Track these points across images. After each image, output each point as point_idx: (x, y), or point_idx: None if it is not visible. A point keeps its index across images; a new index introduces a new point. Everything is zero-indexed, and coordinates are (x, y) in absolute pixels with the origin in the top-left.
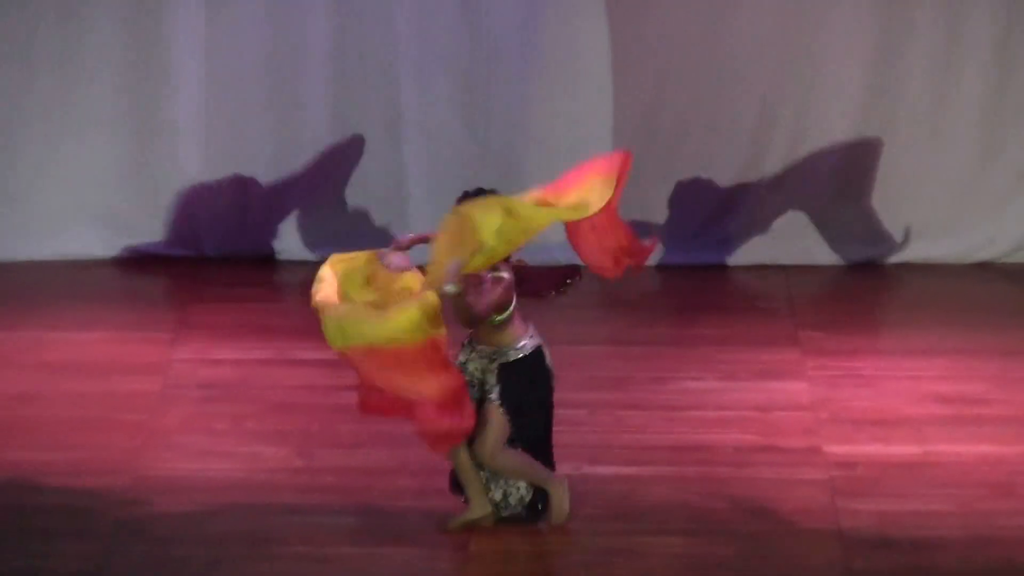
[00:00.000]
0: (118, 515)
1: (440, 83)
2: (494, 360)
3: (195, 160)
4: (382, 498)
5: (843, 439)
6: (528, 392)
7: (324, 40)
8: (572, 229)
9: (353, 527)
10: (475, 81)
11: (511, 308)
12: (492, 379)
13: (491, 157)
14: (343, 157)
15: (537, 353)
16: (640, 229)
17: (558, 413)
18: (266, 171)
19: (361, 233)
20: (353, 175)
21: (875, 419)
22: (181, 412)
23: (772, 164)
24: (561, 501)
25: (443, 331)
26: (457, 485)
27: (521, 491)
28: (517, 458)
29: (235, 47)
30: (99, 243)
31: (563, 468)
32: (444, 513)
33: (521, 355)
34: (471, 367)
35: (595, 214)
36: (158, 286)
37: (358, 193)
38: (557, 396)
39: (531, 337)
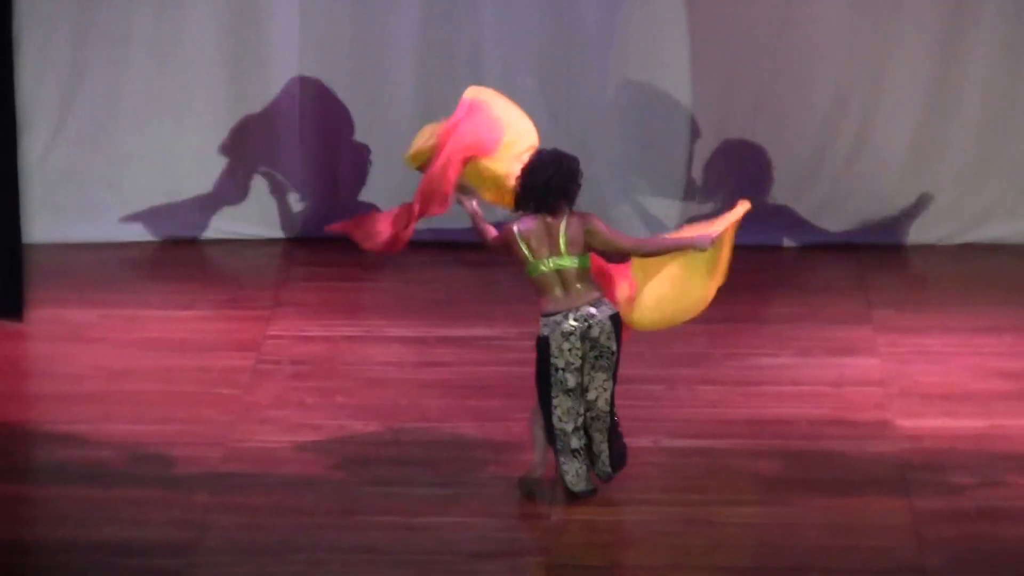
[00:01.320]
0: (211, 487)
1: (522, 70)
2: (599, 314)
3: (287, 148)
4: (467, 470)
5: (913, 413)
6: (537, 366)
7: (410, 28)
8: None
9: (439, 498)
10: (556, 67)
11: (540, 273)
12: (607, 338)
13: (572, 141)
14: None
15: (541, 341)
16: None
17: (637, 388)
18: (353, 157)
19: (446, 218)
20: None
21: (944, 394)
22: (274, 387)
23: (843, 147)
24: (530, 472)
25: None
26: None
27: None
28: (536, 420)
29: (326, 38)
30: (194, 224)
31: (642, 441)
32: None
33: (540, 332)
34: None
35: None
36: (252, 266)
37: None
38: (637, 372)
39: (546, 326)
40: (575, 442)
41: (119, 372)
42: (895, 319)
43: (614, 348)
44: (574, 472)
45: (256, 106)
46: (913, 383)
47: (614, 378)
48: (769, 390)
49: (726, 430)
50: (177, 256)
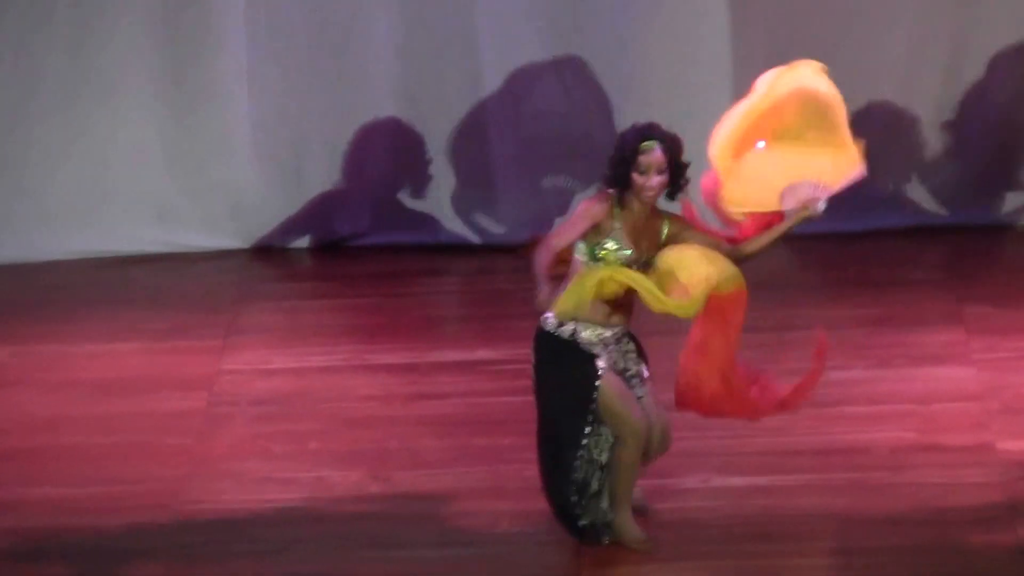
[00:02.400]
0: (160, 557)
1: (526, 35)
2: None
3: (241, 136)
4: (476, 527)
5: (1019, 433)
6: None
7: None
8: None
9: (442, 562)
10: (567, 29)
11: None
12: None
13: (587, 122)
14: (415, 130)
15: None
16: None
17: (676, 415)
18: (321, 145)
19: (445, 214)
20: (428, 149)
21: None
22: (233, 433)
23: (923, 111)
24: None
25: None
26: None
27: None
28: None
29: (278, 9)
30: (132, 236)
31: (688, 481)
32: (549, 542)
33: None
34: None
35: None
36: (203, 285)
37: (435, 167)
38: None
39: None
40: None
41: (43, 423)
42: (993, 318)
43: (533, 359)
44: None
45: (203, 94)
46: (1018, 396)
47: (537, 403)
48: (841, 411)
49: (791, 463)
50: (111, 276)
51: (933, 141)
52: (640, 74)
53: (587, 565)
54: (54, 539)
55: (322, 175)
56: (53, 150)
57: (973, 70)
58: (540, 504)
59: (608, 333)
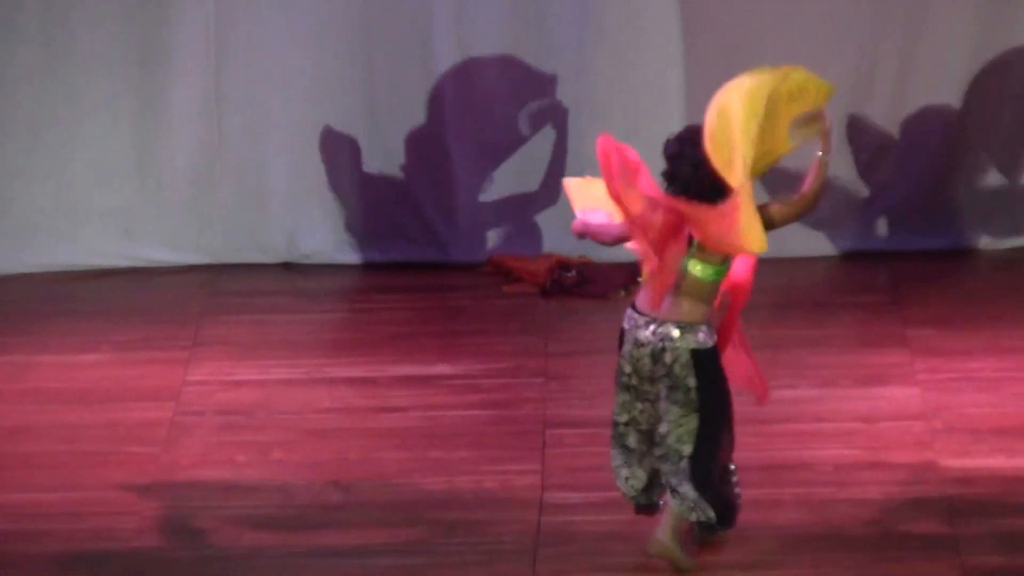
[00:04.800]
0: (124, 564)
1: (483, 55)
2: (678, 340)
3: (204, 152)
4: (433, 536)
5: (961, 452)
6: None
7: (349, 12)
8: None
9: (400, 570)
10: (522, 51)
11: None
12: (681, 368)
13: (541, 137)
14: (375, 143)
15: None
16: None
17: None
18: (286, 162)
19: (405, 231)
20: (390, 163)
21: (998, 428)
22: (197, 443)
23: (870, 137)
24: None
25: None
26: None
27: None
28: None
29: (247, 24)
30: (96, 250)
31: None
32: (503, 552)
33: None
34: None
35: None
36: (167, 297)
37: (398, 183)
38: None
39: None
40: (632, 440)
41: (10, 431)
42: (936, 340)
43: (691, 384)
44: (628, 474)
45: (170, 111)
46: (960, 416)
47: (702, 417)
48: (787, 428)
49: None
50: (77, 289)
51: (880, 162)
52: (597, 96)
53: (541, 574)
54: (15, 544)
55: (287, 191)
56: (23, 167)
57: (919, 91)
58: (493, 515)
59: None
